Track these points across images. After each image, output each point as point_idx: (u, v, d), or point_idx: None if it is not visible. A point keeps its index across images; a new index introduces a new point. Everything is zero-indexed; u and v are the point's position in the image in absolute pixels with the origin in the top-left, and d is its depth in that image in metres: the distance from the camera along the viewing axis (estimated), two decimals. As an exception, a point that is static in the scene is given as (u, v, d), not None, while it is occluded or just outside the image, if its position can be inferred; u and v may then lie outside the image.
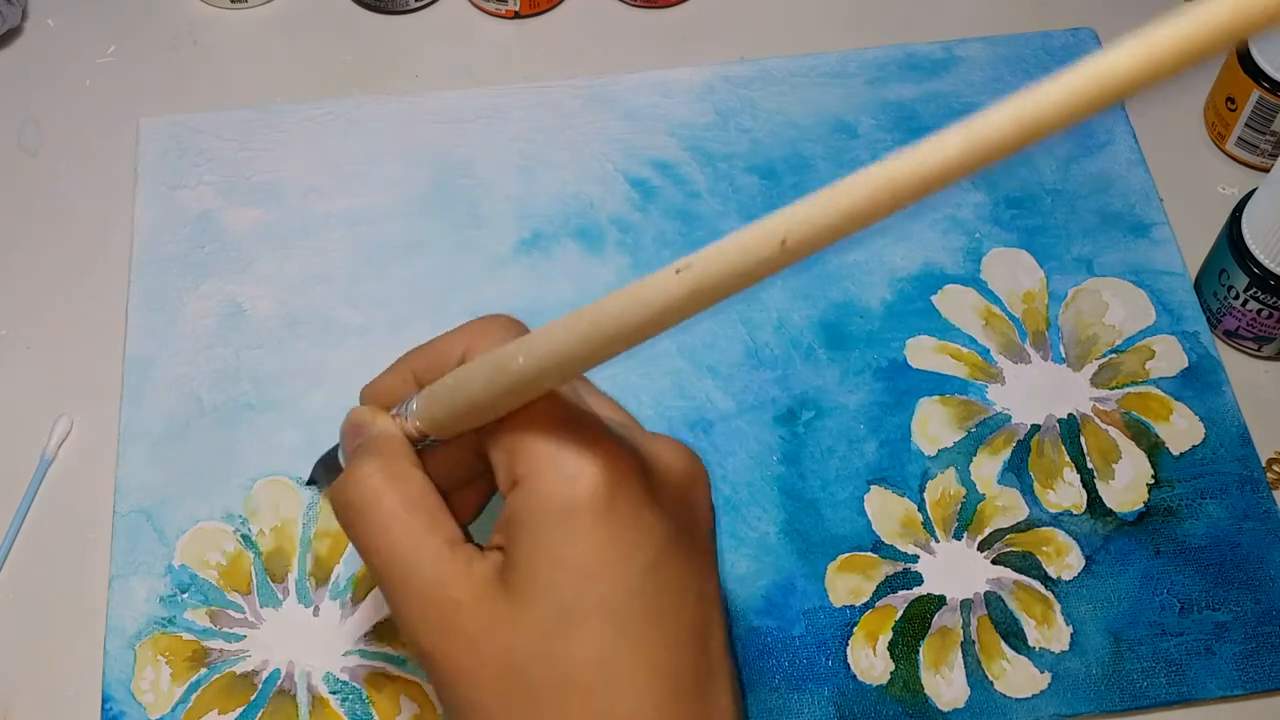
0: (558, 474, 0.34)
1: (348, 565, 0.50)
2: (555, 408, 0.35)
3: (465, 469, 0.39)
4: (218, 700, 0.47)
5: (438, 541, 0.35)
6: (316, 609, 0.49)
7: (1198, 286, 0.56)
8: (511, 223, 0.57)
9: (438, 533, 0.35)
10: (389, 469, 0.36)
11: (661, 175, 0.59)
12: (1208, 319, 0.55)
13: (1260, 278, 0.52)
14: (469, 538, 0.36)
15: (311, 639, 0.48)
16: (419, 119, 0.60)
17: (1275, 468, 0.52)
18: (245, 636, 0.48)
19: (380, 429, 0.38)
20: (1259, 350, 0.55)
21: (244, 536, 0.50)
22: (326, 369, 0.54)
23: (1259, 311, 0.53)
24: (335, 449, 0.44)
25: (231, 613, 0.49)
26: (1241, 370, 0.55)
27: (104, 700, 0.47)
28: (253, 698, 0.47)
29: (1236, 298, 0.53)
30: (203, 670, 0.48)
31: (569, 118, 0.60)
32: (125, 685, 0.47)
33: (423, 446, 0.38)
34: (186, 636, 0.48)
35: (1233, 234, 0.53)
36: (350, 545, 0.49)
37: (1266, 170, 0.58)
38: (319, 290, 0.56)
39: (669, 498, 0.36)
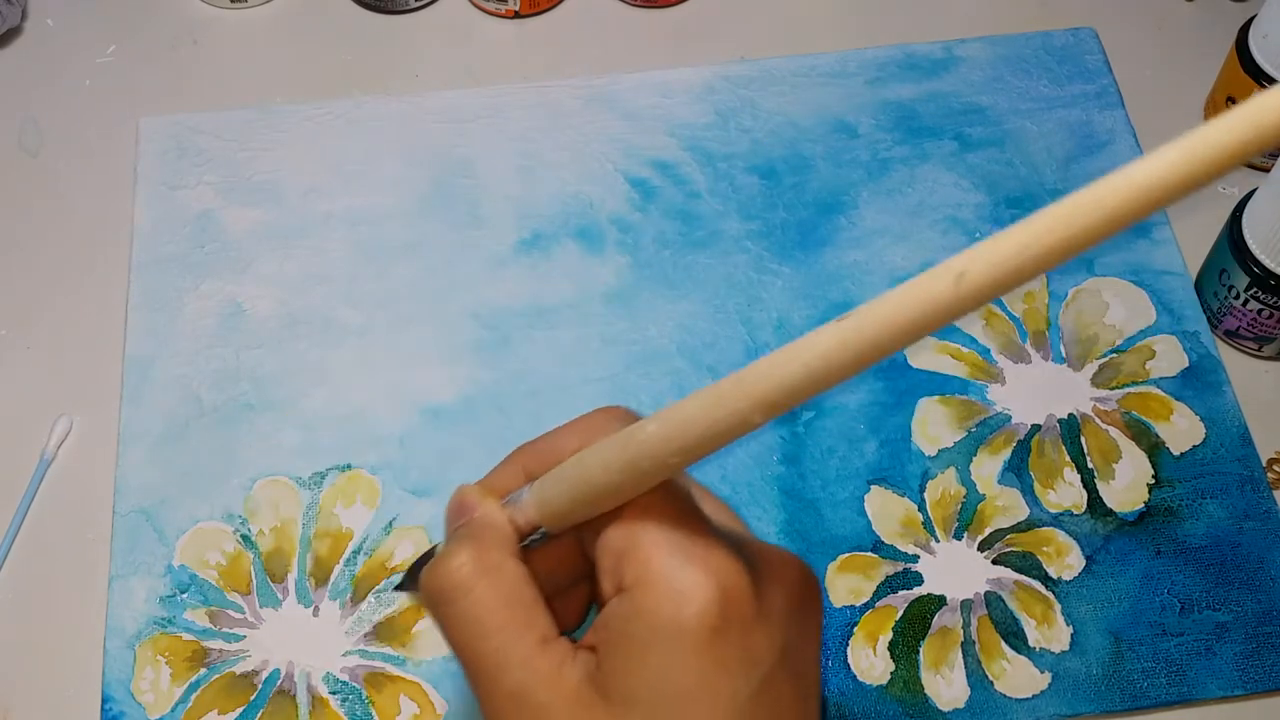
0: (667, 589, 0.32)
1: (347, 565, 0.50)
2: (669, 509, 0.33)
3: (570, 570, 0.37)
4: (217, 700, 0.47)
5: (530, 640, 0.33)
6: (316, 609, 0.49)
7: (1198, 286, 0.56)
8: (512, 223, 0.57)
9: (531, 631, 0.33)
10: (484, 559, 0.34)
11: (661, 175, 0.59)
12: (1208, 319, 0.55)
13: (1261, 278, 0.52)
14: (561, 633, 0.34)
15: (311, 639, 0.48)
16: (419, 119, 0.60)
17: (1275, 468, 0.52)
18: (245, 637, 0.48)
19: (484, 514, 0.35)
20: (1259, 350, 0.55)
21: (244, 536, 0.50)
22: (326, 369, 0.54)
23: (1259, 311, 0.53)
24: (430, 553, 0.42)
25: (231, 613, 0.49)
26: (1242, 370, 0.55)
27: (104, 700, 0.47)
28: (252, 698, 0.47)
29: (1237, 298, 0.53)
30: (202, 670, 0.48)
31: (569, 118, 0.60)
32: (125, 685, 0.47)
33: (530, 543, 0.35)
34: (186, 637, 0.48)
35: (1233, 234, 0.53)
36: (350, 546, 0.49)
37: (1267, 170, 0.58)
38: (319, 290, 0.56)
39: (779, 613, 0.34)
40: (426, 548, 0.43)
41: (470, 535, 0.35)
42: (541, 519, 0.35)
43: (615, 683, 0.32)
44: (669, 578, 0.32)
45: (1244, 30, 0.58)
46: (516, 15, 0.64)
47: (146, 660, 0.48)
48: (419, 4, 0.64)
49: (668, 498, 0.33)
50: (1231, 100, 0.58)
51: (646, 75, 0.61)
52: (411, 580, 0.43)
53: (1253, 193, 0.53)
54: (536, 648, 0.33)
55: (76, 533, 0.51)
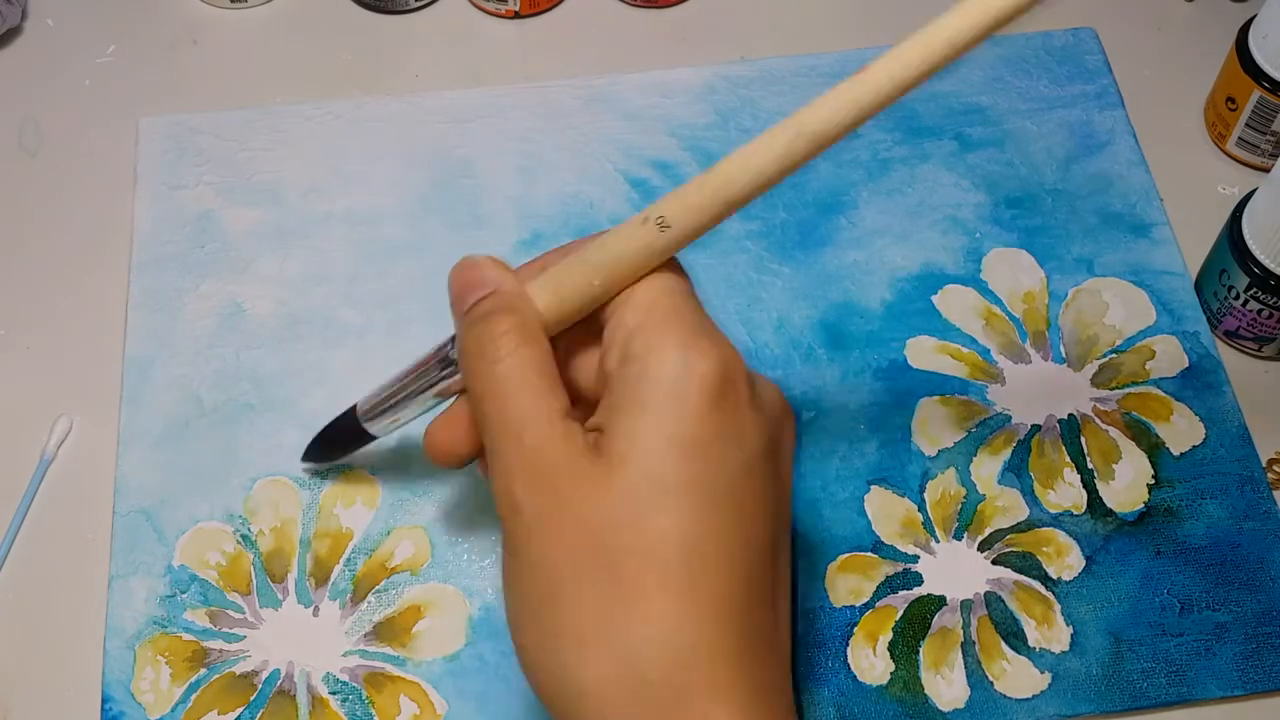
0: (676, 355, 0.35)
1: (347, 565, 0.50)
2: (678, 295, 0.37)
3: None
4: (217, 701, 0.47)
5: (555, 406, 0.36)
6: (316, 609, 0.49)
7: (1198, 287, 0.56)
8: (512, 223, 0.57)
9: (555, 401, 0.36)
10: (526, 329, 0.37)
11: (661, 175, 0.59)
12: (1208, 319, 0.55)
13: (1260, 278, 0.52)
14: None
15: (311, 639, 0.48)
16: (419, 119, 0.60)
17: (1276, 468, 0.52)
18: (245, 637, 0.48)
19: (513, 289, 0.38)
20: (1259, 350, 0.55)
21: (244, 536, 0.50)
22: (326, 369, 0.54)
23: (1259, 312, 0.53)
24: (337, 421, 0.47)
25: (231, 613, 0.49)
26: (1242, 370, 0.55)
27: (104, 700, 0.47)
28: (252, 698, 0.47)
29: (1237, 298, 0.53)
30: (202, 670, 0.48)
31: (569, 118, 0.60)
32: (125, 685, 0.47)
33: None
34: (186, 637, 0.48)
35: (1233, 234, 0.53)
36: (350, 546, 0.49)
37: (1267, 170, 0.58)
38: (319, 290, 0.56)
39: (769, 409, 0.37)
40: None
41: (508, 307, 0.38)
42: (555, 301, 0.38)
43: (615, 443, 0.35)
44: (678, 346, 0.35)
45: (1243, 30, 0.58)
46: (516, 15, 0.64)
47: (146, 660, 0.48)
48: (419, 4, 0.64)
49: (677, 286, 0.37)
50: (1231, 101, 0.58)
51: (647, 76, 0.61)
52: (319, 452, 0.50)
53: (1253, 193, 0.53)
54: (558, 413, 0.36)
55: (76, 533, 0.51)
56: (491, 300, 0.38)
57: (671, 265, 0.38)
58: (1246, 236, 0.52)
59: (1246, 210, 0.53)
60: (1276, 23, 0.55)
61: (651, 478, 0.34)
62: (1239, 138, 0.59)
